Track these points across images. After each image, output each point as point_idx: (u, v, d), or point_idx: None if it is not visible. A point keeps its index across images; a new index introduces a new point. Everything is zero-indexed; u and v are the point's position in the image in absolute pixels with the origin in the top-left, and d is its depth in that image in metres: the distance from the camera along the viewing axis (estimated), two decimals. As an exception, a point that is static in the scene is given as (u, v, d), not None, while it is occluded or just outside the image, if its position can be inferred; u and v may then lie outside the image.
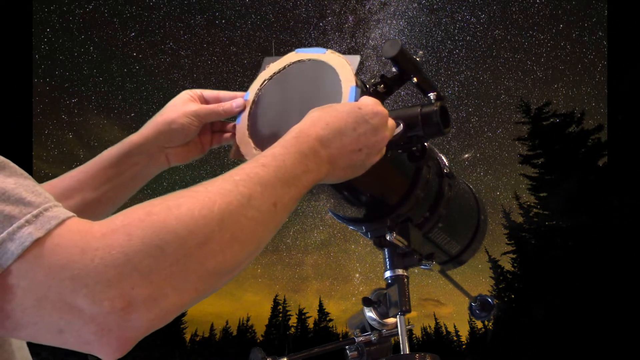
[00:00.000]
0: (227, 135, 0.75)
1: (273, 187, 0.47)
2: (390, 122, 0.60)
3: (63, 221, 0.38)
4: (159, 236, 0.37)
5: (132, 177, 0.71)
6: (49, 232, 0.36)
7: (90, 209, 0.69)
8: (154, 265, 0.37)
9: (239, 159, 0.64)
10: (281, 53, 0.71)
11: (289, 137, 0.53)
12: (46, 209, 0.38)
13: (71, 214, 0.39)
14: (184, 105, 0.70)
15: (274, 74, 0.68)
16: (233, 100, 0.71)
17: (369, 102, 0.58)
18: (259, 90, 0.68)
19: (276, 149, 0.51)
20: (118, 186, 0.70)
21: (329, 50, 0.64)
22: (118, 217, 0.39)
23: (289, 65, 0.67)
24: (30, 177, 0.42)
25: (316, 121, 0.55)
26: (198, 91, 0.73)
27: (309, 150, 0.52)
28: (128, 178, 0.71)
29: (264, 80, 0.68)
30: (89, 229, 0.38)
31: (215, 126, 0.75)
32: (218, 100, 0.73)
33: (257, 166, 0.47)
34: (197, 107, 0.70)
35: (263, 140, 0.63)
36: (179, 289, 0.38)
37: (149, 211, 0.39)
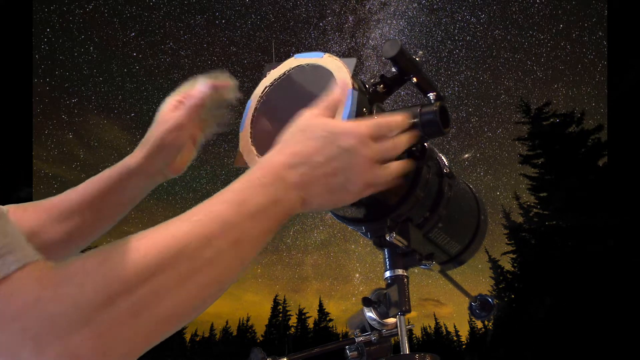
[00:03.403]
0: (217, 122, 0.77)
1: (235, 224, 0.44)
2: (381, 143, 0.55)
3: (24, 266, 0.36)
4: (111, 286, 0.36)
5: (131, 198, 0.74)
6: (6, 277, 0.35)
7: (90, 228, 0.72)
8: (105, 317, 0.36)
9: (243, 166, 0.64)
10: (281, 53, 0.72)
11: (253, 168, 0.51)
12: (9, 252, 0.37)
13: (34, 257, 0.38)
14: (167, 120, 0.71)
15: (275, 80, 0.68)
16: (200, 86, 0.72)
17: (342, 124, 0.54)
18: (261, 97, 0.68)
19: (239, 183, 0.48)
20: (117, 206, 0.73)
21: (326, 54, 0.65)
22: (75, 264, 0.38)
23: (288, 71, 0.68)
24: (4, 215, 0.41)
25: (282, 148, 0.53)
26: (183, 92, 0.74)
27: (275, 179, 0.49)
28: (127, 199, 0.74)
29: (265, 87, 0.68)
30: (47, 275, 0.36)
31: (207, 118, 0.76)
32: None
33: (217, 203, 0.46)
34: (178, 116, 0.71)
35: (266, 148, 0.63)
36: (129, 341, 0.37)
37: (103, 259, 0.38)
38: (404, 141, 0.58)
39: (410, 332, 0.73)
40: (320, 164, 0.52)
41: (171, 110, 0.72)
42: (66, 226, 0.69)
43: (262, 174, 0.49)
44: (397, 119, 0.58)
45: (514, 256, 19.38)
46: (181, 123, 0.71)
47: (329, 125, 0.54)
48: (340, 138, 0.53)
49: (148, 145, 0.71)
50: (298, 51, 0.69)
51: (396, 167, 0.58)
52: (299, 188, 0.50)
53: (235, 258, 0.44)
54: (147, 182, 0.74)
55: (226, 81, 0.74)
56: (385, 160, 0.56)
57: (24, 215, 0.67)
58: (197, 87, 0.72)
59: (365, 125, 0.55)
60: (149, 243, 0.40)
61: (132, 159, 0.72)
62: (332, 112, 0.57)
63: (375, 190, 0.56)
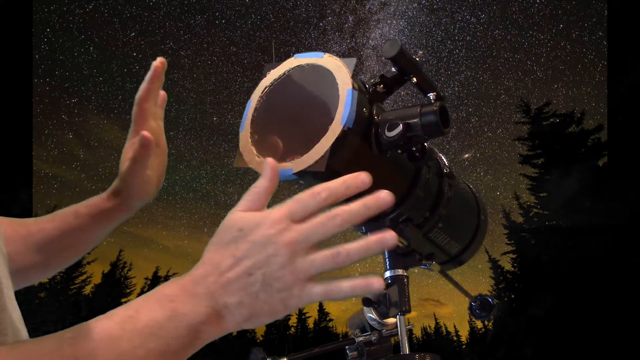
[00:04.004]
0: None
1: (114, 342, 0.39)
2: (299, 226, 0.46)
3: None
4: None
5: (106, 233, 0.77)
6: None
7: (64, 259, 0.75)
8: None
9: (243, 167, 0.64)
10: (281, 53, 0.72)
11: (162, 284, 0.46)
12: None
13: None
14: (124, 172, 0.72)
15: (275, 80, 0.68)
16: (139, 142, 0.69)
17: (254, 215, 0.47)
18: (261, 97, 0.68)
19: (135, 300, 0.44)
20: (91, 242, 0.76)
21: (326, 54, 0.65)
22: None
23: (288, 71, 0.68)
24: None
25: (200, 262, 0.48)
26: (135, 128, 0.73)
27: (178, 290, 0.44)
28: (102, 235, 0.76)
29: (265, 87, 0.68)
30: None
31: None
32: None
33: (100, 318, 0.41)
34: (129, 172, 0.71)
35: (266, 148, 0.63)
36: None
37: None
38: (343, 217, 0.46)
39: (410, 332, 0.73)
40: (230, 267, 0.45)
41: (127, 158, 0.72)
42: (41, 257, 0.71)
43: (168, 289, 0.44)
44: (328, 186, 0.47)
45: (514, 256, 19.39)
46: (136, 174, 0.71)
47: (241, 221, 0.47)
48: (252, 231, 0.46)
49: (119, 196, 0.73)
50: (298, 51, 0.69)
51: (342, 251, 0.46)
52: (208, 299, 0.44)
53: None
54: (117, 219, 0.75)
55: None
56: (316, 241, 0.46)
57: (5, 235, 0.68)
58: (138, 147, 0.70)
59: (281, 207, 0.47)
60: None
61: (107, 204, 0.73)
62: (260, 204, 0.49)
63: (313, 283, 0.45)
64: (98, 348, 0.38)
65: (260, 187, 0.50)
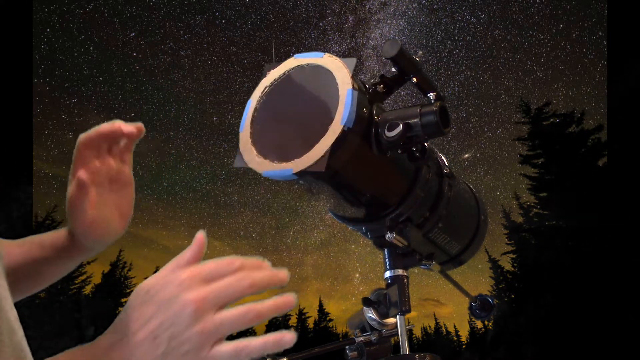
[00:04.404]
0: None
1: None
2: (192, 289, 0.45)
3: None
4: None
5: (69, 267, 0.75)
6: None
7: (28, 287, 0.73)
8: None
9: (243, 167, 0.64)
10: (281, 53, 0.72)
11: (77, 353, 0.45)
12: None
13: None
14: (77, 206, 0.66)
15: (275, 80, 0.68)
16: (75, 182, 0.65)
17: (164, 275, 0.46)
18: (260, 97, 0.68)
19: None
20: (56, 273, 0.74)
21: (326, 54, 0.65)
22: None
23: (288, 71, 0.68)
24: None
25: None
26: (74, 170, 0.66)
27: (84, 358, 0.44)
28: (67, 269, 0.75)
29: (265, 87, 0.68)
30: None
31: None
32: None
33: None
34: (86, 201, 0.65)
35: (265, 148, 0.63)
36: None
37: None
38: (253, 279, 0.46)
39: (410, 332, 0.73)
40: (137, 330, 0.44)
41: (75, 193, 0.66)
42: (8, 280, 0.68)
43: (84, 358, 0.44)
44: (247, 261, 0.48)
45: (514, 256, 19.38)
46: (92, 204, 0.66)
47: (149, 284, 0.46)
48: (159, 292, 0.45)
49: (76, 237, 0.69)
50: (298, 51, 0.69)
51: (252, 308, 0.45)
52: None
53: None
54: (79, 257, 0.73)
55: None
56: (226, 303, 0.45)
57: None
58: (72, 188, 0.66)
59: (192, 267, 0.47)
60: None
61: (69, 242, 0.70)
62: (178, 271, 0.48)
63: (221, 343, 0.45)
64: None
65: (182, 257, 0.48)
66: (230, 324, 0.44)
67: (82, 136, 0.67)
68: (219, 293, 0.45)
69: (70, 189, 0.66)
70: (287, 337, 0.45)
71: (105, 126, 0.66)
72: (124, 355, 0.43)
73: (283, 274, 0.49)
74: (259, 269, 0.48)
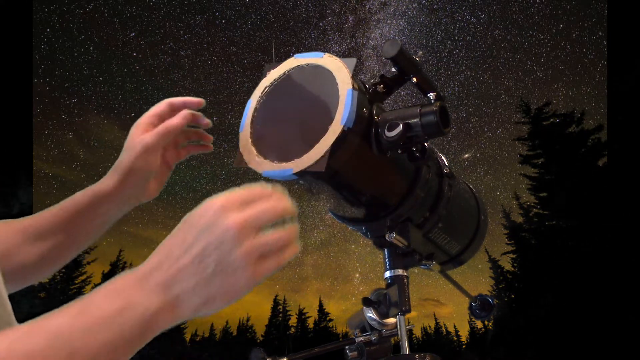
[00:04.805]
0: (194, 146, 0.76)
1: (67, 336, 0.39)
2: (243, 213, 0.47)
3: None
4: None
5: (103, 223, 0.74)
6: None
7: (62, 251, 0.72)
8: None
9: (243, 167, 0.64)
10: (281, 53, 0.72)
11: (115, 278, 0.46)
12: None
13: None
14: (136, 146, 0.69)
15: (275, 80, 0.68)
16: (177, 115, 0.70)
17: (199, 207, 0.49)
18: (261, 97, 0.68)
19: (87, 294, 0.44)
20: (89, 231, 0.73)
21: (326, 54, 0.65)
22: None
23: (288, 71, 0.68)
24: None
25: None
26: (154, 113, 0.72)
27: (130, 282, 0.45)
28: (98, 224, 0.74)
29: (265, 87, 0.68)
30: None
31: (180, 140, 0.76)
32: (184, 106, 0.72)
33: (52, 315, 0.41)
34: (147, 142, 0.69)
35: (266, 148, 0.63)
36: None
37: None
38: (283, 207, 0.50)
39: (410, 332, 0.73)
40: (181, 254, 0.46)
41: (140, 134, 0.70)
42: (39, 248, 0.69)
43: (120, 282, 0.45)
44: (272, 190, 0.51)
45: (514, 256, 19.38)
46: (151, 148, 0.69)
47: (188, 215, 0.49)
48: (199, 219, 0.47)
49: (119, 172, 0.70)
50: (298, 51, 0.69)
51: (283, 231, 0.49)
52: (161, 290, 0.44)
53: None
54: (119, 207, 0.73)
55: (198, 113, 0.73)
56: (263, 224, 0.48)
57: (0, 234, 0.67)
58: (173, 120, 0.70)
59: (227, 194, 0.49)
60: None
61: (103, 185, 0.71)
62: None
63: (266, 261, 0.48)
64: (52, 344, 0.39)
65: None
66: (270, 243, 0.48)
67: (169, 99, 0.73)
68: (257, 216, 0.48)
69: (151, 119, 0.71)
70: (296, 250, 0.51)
71: (190, 98, 0.73)
72: (168, 278, 0.45)
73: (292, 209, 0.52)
74: (285, 197, 0.51)
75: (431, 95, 0.66)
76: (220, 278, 0.45)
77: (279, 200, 0.50)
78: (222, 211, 0.47)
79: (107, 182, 0.71)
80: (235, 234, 0.46)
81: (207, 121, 0.74)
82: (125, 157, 0.70)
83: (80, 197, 0.71)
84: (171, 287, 0.45)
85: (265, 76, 0.70)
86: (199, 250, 0.46)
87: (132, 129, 0.71)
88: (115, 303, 0.43)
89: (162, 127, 0.70)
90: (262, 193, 0.50)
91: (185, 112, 0.70)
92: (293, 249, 0.50)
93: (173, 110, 0.72)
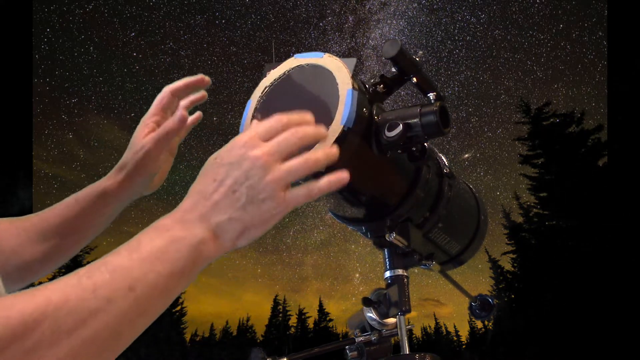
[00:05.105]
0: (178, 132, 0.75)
1: (126, 270, 0.43)
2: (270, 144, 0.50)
3: None
4: None
5: (107, 219, 0.76)
6: None
7: (67, 248, 0.74)
8: None
9: None
10: (281, 53, 0.72)
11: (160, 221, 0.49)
12: None
13: None
14: (143, 146, 0.71)
15: (275, 80, 0.68)
16: (173, 117, 0.71)
17: (225, 146, 0.52)
18: (261, 97, 0.68)
19: (136, 236, 0.47)
20: (94, 227, 0.75)
21: (326, 54, 0.65)
22: None
23: (288, 71, 0.68)
24: None
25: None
26: (158, 107, 0.74)
27: (172, 221, 0.47)
28: (103, 220, 0.76)
29: (265, 87, 0.68)
30: None
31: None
32: (186, 88, 0.75)
33: (109, 255, 0.45)
34: (148, 147, 0.71)
35: None
36: None
37: None
38: (304, 131, 0.52)
39: (410, 332, 0.73)
40: (214, 190, 0.49)
41: (143, 136, 0.72)
42: (45, 247, 0.71)
43: (163, 222, 0.48)
44: (292, 116, 0.54)
45: (514, 256, 19.39)
46: (153, 153, 0.71)
47: (215, 154, 0.52)
48: (225, 156, 0.50)
49: (124, 170, 0.72)
50: (298, 51, 0.69)
51: (310, 157, 0.51)
52: (201, 222, 0.48)
53: (131, 306, 0.42)
54: (122, 203, 0.75)
55: (199, 113, 0.76)
56: (288, 154, 0.51)
57: (6, 233, 0.69)
58: (171, 120, 0.71)
59: (249, 130, 0.52)
60: (27, 299, 0.38)
61: (108, 182, 0.73)
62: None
63: (297, 189, 0.51)
64: (114, 277, 0.42)
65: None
66: (296, 170, 0.50)
67: (169, 86, 0.74)
68: (280, 146, 0.50)
69: (150, 122, 0.73)
70: (344, 175, 0.52)
71: (191, 78, 0.75)
72: (206, 211, 0.48)
73: (322, 130, 0.55)
74: (304, 122, 0.54)
75: (431, 95, 0.66)
76: (253, 206, 0.48)
77: (302, 127, 0.53)
78: (248, 145, 0.50)
79: (111, 180, 0.73)
80: (263, 164, 0.49)
81: (204, 94, 0.77)
82: (130, 157, 0.72)
83: (84, 195, 0.73)
84: (210, 220, 0.48)
85: (265, 76, 0.70)
86: (231, 183, 0.48)
87: (138, 127, 0.73)
88: (163, 239, 0.46)
89: (161, 131, 0.71)
90: (279, 123, 0.52)
91: (181, 115, 0.70)
92: (326, 179, 0.51)
93: (175, 97, 0.74)
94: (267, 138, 0.51)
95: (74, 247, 0.75)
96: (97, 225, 0.75)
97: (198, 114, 0.78)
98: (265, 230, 0.50)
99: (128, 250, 0.45)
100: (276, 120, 0.52)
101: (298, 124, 0.53)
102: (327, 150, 0.53)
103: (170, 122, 0.70)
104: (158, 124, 0.73)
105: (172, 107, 0.75)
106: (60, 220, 0.72)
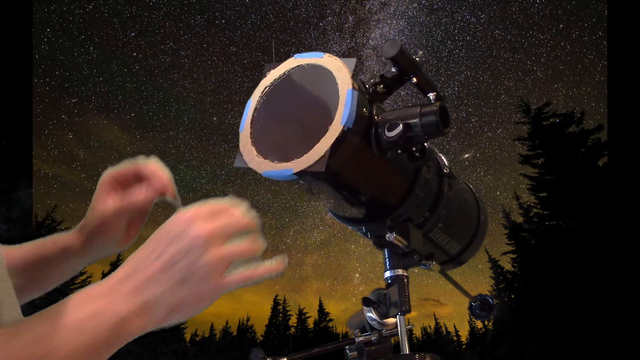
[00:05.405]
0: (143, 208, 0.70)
1: (46, 338, 0.42)
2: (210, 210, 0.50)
3: None
4: None
5: (71, 271, 0.74)
6: None
7: (24, 292, 0.71)
8: None
9: (243, 167, 0.64)
10: (281, 53, 0.72)
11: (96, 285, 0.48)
12: None
13: None
14: (98, 214, 0.67)
15: (275, 80, 0.68)
16: (138, 194, 0.66)
17: (171, 219, 0.50)
18: (261, 97, 0.68)
19: (64, 300, 0.46)
20: (56, 279, 0.74)
21: (326, 54, 0.65)
22: None
23: (288, 71, 0.68)
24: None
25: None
26: (118, 175, 0.68)
27: (100, 289, 0.46)
28: (66, 272, 0.74)
29: (265, 87, 0.68)
30: None
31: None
32: (138, 175, 0.68)
33: (32, 317, 0.44)
34: (108, 214, 0.67)
35: (265, 148, 0.63)
36: None
37: None
38: (249, 218, 0.52)
39: (410, 332, 0.73)
40: (151, 262, 0.47)
41: (103, 201, 0.68)
42: (15, 282, 0.67)
43: (94, 289, 0.47)
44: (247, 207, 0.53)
45: (514, 256, 19.36)
46: (115, 218, 0.68)
47: (161, 226, 0.50)
48: (169, 228, 0.49)
49: (85, 231, 0.69)
50: (298, 51, 0.69)
51: (251, 243, 0.50)
52: (131, 296, 0.46)
53: None
54: (89, 260, 0.73)
55: (169, 186, 0.68)
56: (231, 234, 0.50)
57: None
58: (137, 196, 0.67)
59: (198, 205, 0.51)
60: None
61: (71, 239, 0.70)
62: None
63: (230, 272, 0.49)
64: (31, 343, 0.42)
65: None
66: (239, 254, 0.49)
67: (140, 168, 0.68)
68: (225, 226, 0.50)
69: (112, 185, 0.68)
70: (282, 264, 0.52)
71: (163, 180, 0.68)
72: (139, 285, 0.46)
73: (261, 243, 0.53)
74: (251, 212, 0.53)
75: (431, 95, 0.66)
76: (188, 285, 0.47)
77: (246, 214, 0.52)
78: (191, 221, 0.48)
79: (73, 239, 0.70)
80: (204, 243, 0.47)
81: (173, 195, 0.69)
82: (89, 221, 0.69)
83: (48, 246, 0.70)
84: (141, 294, 0.46)
85: (265, 76, 0.70)
86: (168, 257, 0.47)
87: (97, 188, 0.69)
88: (88, 309, 0.45)
89: (125, 203, 0.67)
90: (231, 206, 0.52)
91: (150, 196, 0.67)
92: (264, 267, 0.51)
93: (139, 178, 0.69)
94: (214, 216, 0.50)
95: (29, 293, 0.72)
96: (58, 276, 0.73)
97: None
98: (199, 310, 0.48)
99: (52, 315, 0.44)
100: (228, 201, 0.52)
101: (246, 212, 0.52)
102: (277, 265, 0.52)
103: (138, 195, 0.67)
104: (116, 191, 0.68)
105: (132, 183, 0.70)
106: (20, 264, 0.69)
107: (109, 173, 0.69)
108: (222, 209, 0.51)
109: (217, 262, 0.48)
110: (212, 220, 0.49)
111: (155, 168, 0.68)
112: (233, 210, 0.52)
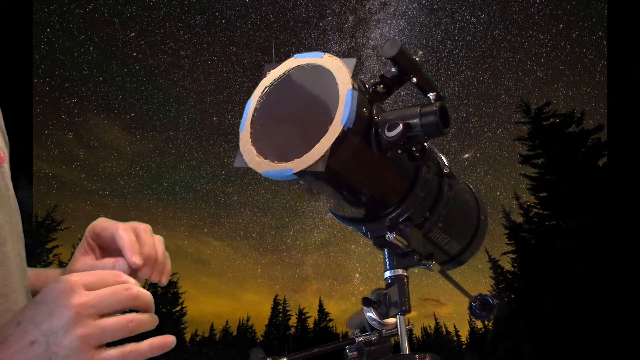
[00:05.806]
0: None
1: None
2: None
3: None
4: None
5: None
6: None
7: None
8: None
9: (243, 167, 0.64)
10: (281, 53, 0.72)
11: None
12: None
13: None
14: (80, 264, 0.66)
15: (275, 80, 0.68)
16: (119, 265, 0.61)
17: (49, 286, 0.47)
18: (261, 97, 0.68)
19: None
20: None
21: (326, 54, 0.65)
22: None
23: (288, 71, 0.68)
24: None
25: None
26: (98, 234, 0.65)
27: None
28: None
29: (265, 87, 0.68)
30: None
31: None
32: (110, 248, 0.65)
33: None
34: (88, 268, 0.64)
35: (265, 148, 0.63)
36: None
37: None
38: (138, 293, 0.48)
39: (410, 332, 0.73)
40: (11, 333, 0.43)
41: (82, 255, 0.66)
42: None
43: None
44: (126, 276, 0.50)
45: (514, 256, 19.37)
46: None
47: (49, 285, 0.47)
48: (43, 296, 0.45)
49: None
50: (298, 51, 0.69)
51: (126, 319, 0.46)
52: None
53: None
54: None
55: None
56: (106, 309, 0.46)
57: None
58: (110, 263, 0.64)
59: (75, 275, 0.47)
60: None
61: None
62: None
63: (104, 349, 0.45)
64: None
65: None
66: (112, 331, 0.45)
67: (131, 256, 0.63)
68: (100, 299, 0.45)
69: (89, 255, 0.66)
70: (170, 340, 0.48)
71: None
72: (6, 356, 0.42)
73: (154, 318, 0.50)
74: (136, 286, 0.49)
75: (431, 95, 0.66)
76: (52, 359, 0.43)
77: (129, 287, 0.48)
78: (67, 290, 0.45)
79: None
80: (72, 315, 0.44)
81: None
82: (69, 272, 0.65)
83: (40, 281, 0.69)
84: None
85: (265, 76, 0.70)
86: (32, 330, 0.43)
87: (79, 245, 0.68)
88: None
89: (101, 265, 0.65)
90: (114, 277, 0.48)
91: (122, 269, 0.61)
92: (148, 343, 0.47)
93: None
94: (92, 288, 0.46)
95: None
96: None
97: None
98: None
99: None
100: (112, 273, 0.49)
101: (135, 285, 0.49)
102: (162, 340, 0.49)
103: (108, 264, 0.64)
104: (96, 250, 0.67)
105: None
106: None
107: (90, 230, 0.66)
108: (110, 278, 0.48)
109: (88, 337, 0.44)
110: (85, 294, 0.45)
111: (128, 246, 0.60)
112: (118, 279, 0.48)
